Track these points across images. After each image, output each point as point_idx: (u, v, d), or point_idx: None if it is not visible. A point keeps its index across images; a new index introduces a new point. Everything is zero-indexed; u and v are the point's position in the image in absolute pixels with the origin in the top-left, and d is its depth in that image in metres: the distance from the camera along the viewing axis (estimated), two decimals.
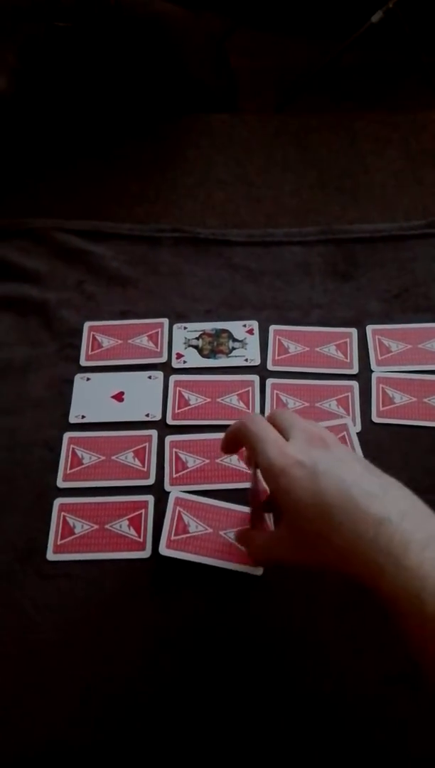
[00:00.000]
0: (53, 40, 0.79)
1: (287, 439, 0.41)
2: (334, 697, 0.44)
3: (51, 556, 0.50)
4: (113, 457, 0.55)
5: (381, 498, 0.37)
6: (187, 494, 0.52)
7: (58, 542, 0.51)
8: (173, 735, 0.44)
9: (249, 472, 0.54)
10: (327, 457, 0.39)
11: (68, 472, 0.54)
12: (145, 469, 0.54)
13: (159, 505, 0.52)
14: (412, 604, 0.33)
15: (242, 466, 0.55)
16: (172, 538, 0.50)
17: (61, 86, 0.81)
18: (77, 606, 0.49)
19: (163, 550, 0.49)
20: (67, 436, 0.56)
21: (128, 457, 0.55)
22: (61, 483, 0.54)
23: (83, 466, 0.54)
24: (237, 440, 0.44)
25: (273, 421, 0.43)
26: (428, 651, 0.34)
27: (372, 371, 0.59)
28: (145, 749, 0.44)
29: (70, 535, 0.51)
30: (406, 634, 0.35)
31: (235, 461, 0.55)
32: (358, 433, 0.56)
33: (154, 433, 0.56)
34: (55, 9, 0.80)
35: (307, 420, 0.44)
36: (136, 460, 0.55)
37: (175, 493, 0.52)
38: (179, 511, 0.51)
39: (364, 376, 0.59)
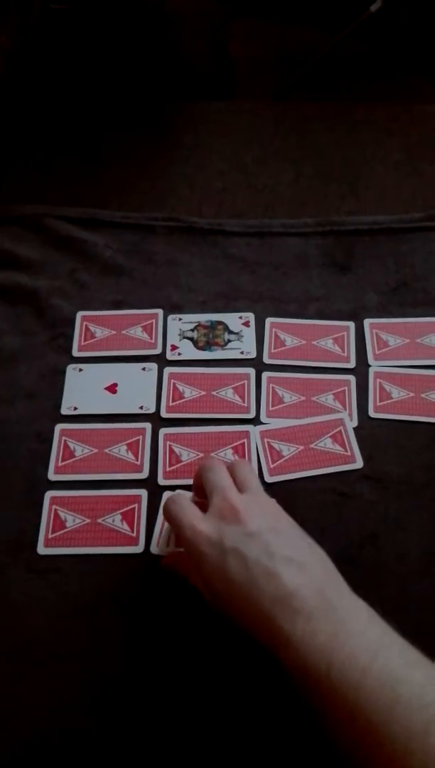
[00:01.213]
0: (48, 22, 0.77)
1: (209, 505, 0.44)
2: None
3: (42, 549, 0.49)
4: (106, 450, 0.54)
5: (278, 576, 0.39)
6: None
7: (49, 536, 0.50)
8: (166, 729, 0.43)
9: None
10: (235, 532, 0.41)
11: (60, 464, 0.53)
12: (138, 463, 0.53)
13: (152, 499, 0.51)
14: (299, 671, 0.36)
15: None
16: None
17: (55, 70, 0.79)
18: (68, 601, 0.48)
19: (154, 548, 0.49)
20: (58, 427, 0.55)
21: (121, 450, 0.54)
22: (52, 476, 0.53)
23: (75, 458, 0.53)
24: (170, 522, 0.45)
25: (200, 480, 0.46)
26: (320, 712, 0.35)
27: (369, 365, 0.59)
28: (137, 744, 0.43)
29: (62, 528, 0.50)
30: (303, 699, 0.37)
31: (229, 456, 0.54)
32: (354, 428, 0.55)
33: (147, 426, 0.55)
34: None
35: (244, 472, 0.46)
36: (130, 453, 0.54)
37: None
38: None
39: (361, 370, 0.58)
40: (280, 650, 0.37)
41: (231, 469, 0.47)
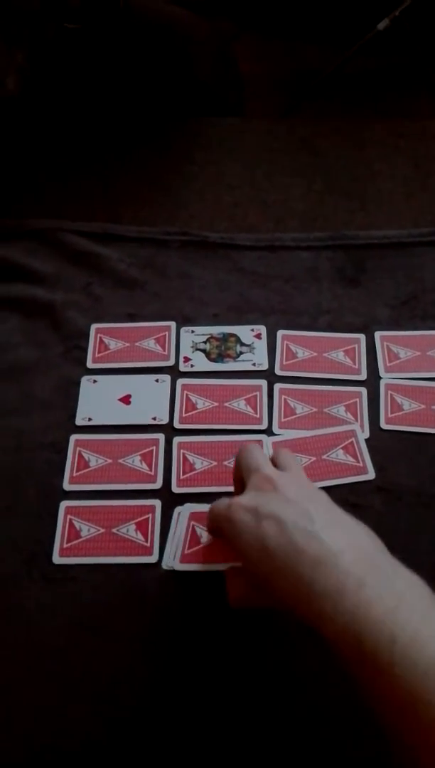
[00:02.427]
0: (62, 41, 0.79)
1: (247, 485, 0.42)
2: (335, 710, 0.44)
3: (57, 559, 0.50)
4: (120, 460, 0.54)
5: (320, 538, 0.36)
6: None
7: (64, 545, 0.50)
8: (177, 741, 0.44)
9: None
10: (272, 499, 0.40)
11: (74, 474, 0.54)
12: (152, 473, 0.54)
13: (166, 509, 0.52)
14: (352, 647, 0.32)
15: None
16: (186, 552, 0.48)
17: (69, 88, 0.80)
18: (83, 610, 0.48)
19: (178, 565, 0.48)
20: (73, 438, 0.56)
21: (135, 461, 0.54)
22: (67, 485, 0.53)
23: (90, 468, 0.54)
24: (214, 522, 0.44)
25: (239, 462, 0.45)
26: (374, 693, 0.32)
27: (380, 378, 0.59)
28: (149, 755, 0.43)
29: (76, 538, 0.51)
30: (353, 677, 0.33)
31: None
32: (366, 440, 0.56)
33: (161, 436, 0.56)
34: (64, 10, 0.80)
35: (285, 455, 0.45)
36: (144, 463, 0.54)
37: (188, 509, 0.51)
38: (193, 526, 0.50)
39: (372, 382, 0.59)
40: (323, 622, 0.33)
41: (274, 456, 0.46)
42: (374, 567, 0.35)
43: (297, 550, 0.36)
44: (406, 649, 0.31)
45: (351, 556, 0.35)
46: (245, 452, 0.45)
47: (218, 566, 0.46)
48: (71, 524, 0.51)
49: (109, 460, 0.54)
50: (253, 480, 0.42)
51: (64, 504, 0.52)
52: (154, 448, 0.55)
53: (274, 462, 0.45)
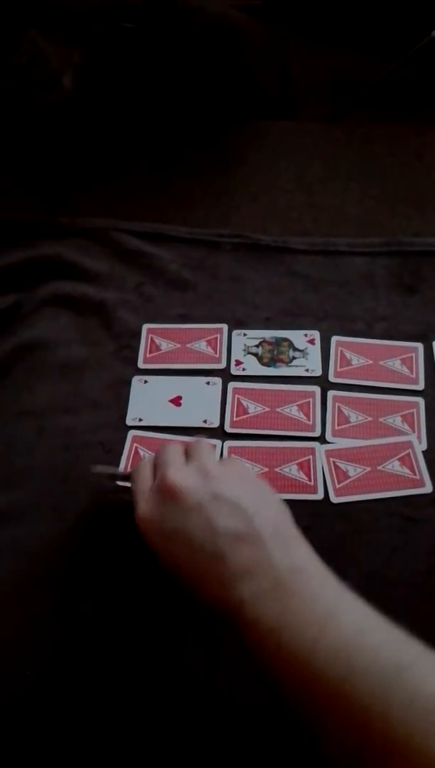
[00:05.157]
0: (119, 40, 0.79)
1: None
2: None
3: None
4: None
5: (224, 557, 0.38)
6: None
7: None
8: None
9: (309, 484, 0.53)
10: (173, 512, 0.41)
11: (129, 469, 0.53)
12: None
13: None
14: (255, 644, 0.36)
15: (302, 476, 0.53)
16: None
17: (124, 87, 0.80)
18: (131, 611, 0.47)
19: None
20: (131, 434, 0.55)
21: None
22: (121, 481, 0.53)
23: None
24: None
25: (155, 459, 0.46)
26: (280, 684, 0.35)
27: None
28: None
29: None
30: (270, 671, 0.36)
31: (294, 471, 0.53)
32: (423, 452, 0.54)
33: (217, 443, 0.55)
34: (122, 9, 0.79)
35: (197, 448, 0.45)
36: None
37: None
38: None
39: (430, 393, 0.57)
40: (238, 617, 0.37)
41: (187, 446, 0.46)
42: (269, 569, 0.38)
43: (203, 569, 0.39)
44: (290, 640, 0.35)
45: (252, 574, 0.37)
46: (161, 451, 0.46)
47: None
48: None
49: None
50: (156, 485, 0.43)
51: None
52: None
53: (187, 452, 0.45)
